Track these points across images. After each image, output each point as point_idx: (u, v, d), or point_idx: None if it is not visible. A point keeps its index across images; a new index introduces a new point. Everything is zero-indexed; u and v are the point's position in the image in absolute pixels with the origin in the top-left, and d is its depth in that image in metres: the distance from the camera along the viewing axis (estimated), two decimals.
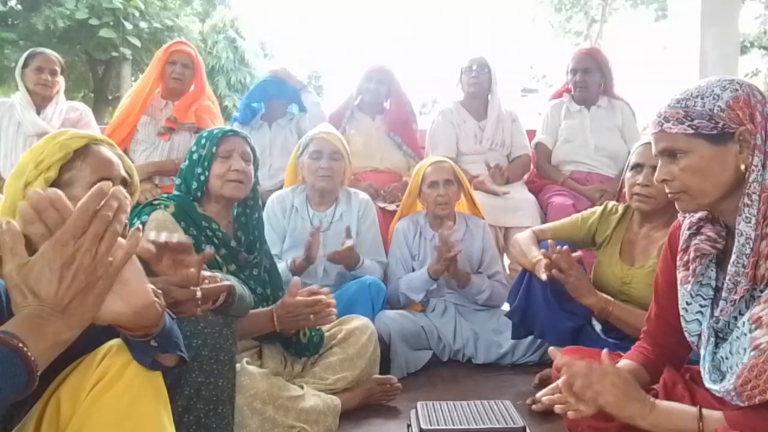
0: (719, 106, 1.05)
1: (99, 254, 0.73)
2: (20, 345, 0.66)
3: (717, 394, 1.05)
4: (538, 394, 1.25)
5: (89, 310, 0.73)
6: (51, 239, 0.72)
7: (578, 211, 2.24)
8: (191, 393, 1.32)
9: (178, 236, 1.11)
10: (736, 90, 1.05)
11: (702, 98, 1.06)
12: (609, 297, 1.87)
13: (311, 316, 1.75)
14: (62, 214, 0.74)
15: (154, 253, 1.04)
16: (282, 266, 2.30)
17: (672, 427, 1.09)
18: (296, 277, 1.82)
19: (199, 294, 1.14)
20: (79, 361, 0.94)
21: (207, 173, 1.79)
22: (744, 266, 1.04)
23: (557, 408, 1.16)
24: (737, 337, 1.05)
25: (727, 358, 1.07)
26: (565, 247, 1.85)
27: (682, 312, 1.18)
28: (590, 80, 3.18)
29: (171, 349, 0.93)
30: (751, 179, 1.04)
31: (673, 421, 1.09)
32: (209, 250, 1.20)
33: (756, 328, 1.00)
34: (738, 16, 4.20)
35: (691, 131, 1.06)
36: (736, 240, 1.05)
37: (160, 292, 0.91)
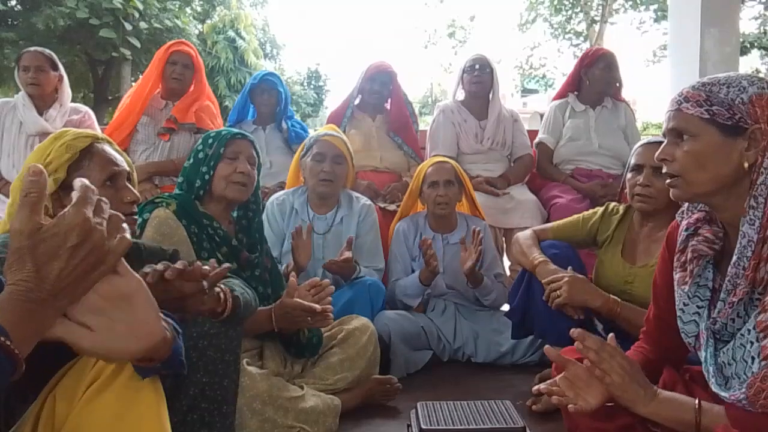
0: (742, 99, 1.04)
1: (110, 235, 0.67)
2: (2, 339, 0.61)
3: (727, 401, 1.05)
4: (535, 387, 1.26)
5: (78, 296, 0.68)
6: (73, 207, 0.65)
7: (582, 210, 2.24)
8: (196, 393, 1.32)
9: (176, 265, 1.10)
10: (763, 88, 1.04)
11: (728, 87, 1.05)
12: (617, 298, 1.87)
13: (309, 318, 1.75)
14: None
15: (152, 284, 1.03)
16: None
17: (670, 417, 1.09)
18: (293, 279, 1.80)
19: (205, 284, 1.15)
20: (74, 361, 0.93)
21: (212, 173, 1.80)
22: (744, 268, 1.03)
23: (554, 399, 1.17)
24: (741, 345, 1.04)
25: (730, 364, 1.06)
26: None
27: (679, 313, 1.17)
28: (618, 78, 3.20)
29: (174, 368, 0.92)
30: (759, 181, 1.03)
31: (672, 411, 1.10)
32: (213, 262, 1.20)
33: (765, 337, 0.99)
34: (738, 16, 4.20)
35: (707, 116, 1.05)
36: (738, 242, 1.05)
37: (170, 321, 0.89)
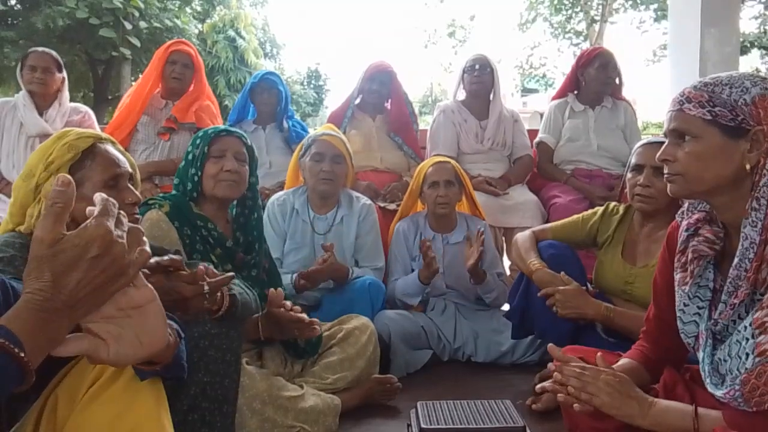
0: (744, 100, 1.03)
1: (130, 248, 0.68)
2: (16, 350, 0.61)
3: (722, 400, 1.05)
4: (539, 386, 1.26)
5: (94, 307, 0.68)
6: (96, 219, 0.65)
7: (582, 211, 2.24)
8: (197, 392, 1.32)
9: (169, 256, 1.11)
10: (766, 89, 1.03)
11: (730, 87, 1.04)
12: (609, 305, 1.88)
13: (295, 330, 1.73)
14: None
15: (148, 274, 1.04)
16: (286, 280, 2.25)
17: (669, 426, 1.09)
18: (280, 290, 1.75)
19: (206, 288, 1.15)
20: (76, 361, 0.94)
21: (200, 173, 1.79)
22: (746, 270, 1.03)
23: (560, 397, 1.16)
24: (737, 341, 1.04)
25: (725, 361, 1.06)
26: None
27: (679, 313, 1.17)
28: (615, 78, 3.19)
29: (174, 372, 0.92)
30: (761, 183, 1.02)
31: (670, 420, 1.09)
32: (202, 267, 1.20)
33: (760, 333, 0.99)
34: (738, 16, 4.20)
35: (709, 117, 1.04)
36: (740, 243, 1.04)
37: (174, 325, 0.90)
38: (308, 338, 1.86)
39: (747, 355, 1.01)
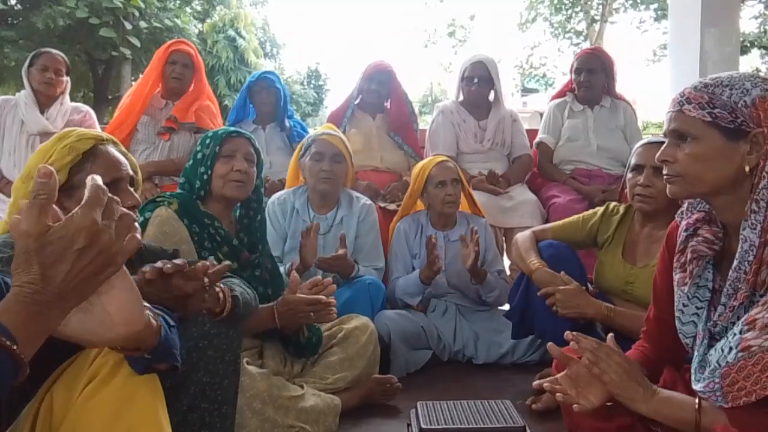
0: (744, 101, 1.02)
1: (118, 236, 0.67)
2: (8, 343, 0.61)
3: (702, 395, 1.05)
4: (537, 382, 1.26)
5: (85, 296, 0.68)
6: (82, 209, 0.65)
7: (581, 210, 2.24)
8: (196, 392, 1.32)
9: (172, 262, 1.11)
10: (766, 90, 1.02)
11: (730, 89, 1.03)
12: (609, 305, 1.88)
13: (311, 313, 1.76)
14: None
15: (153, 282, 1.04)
16: (281, 270, 2.27)
17: (670, 416, 1.09)
18: (295, 274, 1.81)
19: (206, 281, 1.15)
20: (72, 359, 0.94)
21: (210, 172, 1.80)
22: (746, 272, 1.02)
23: (559, 396, 1.17)
24: (726, 337, 1.04)
25: (710, 355, 1.06)
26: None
27: (678, 314, 1.17)
28: (594, 80, 3.16)
29: (166, 359, 0.92)
30: (761, 185, 1.02)
31: (672, 410, 1.09)
32: (200, 265, 1.20)
33: (748, 330, 0.98)
34: (738, 16, 4.20)
35: (709, 119, 1.04)
36: (739, 246, 1.04)
37: (160, 312, 0.90)
38: (319, 326, 1.92)
39: (731, 348, 1.00)
